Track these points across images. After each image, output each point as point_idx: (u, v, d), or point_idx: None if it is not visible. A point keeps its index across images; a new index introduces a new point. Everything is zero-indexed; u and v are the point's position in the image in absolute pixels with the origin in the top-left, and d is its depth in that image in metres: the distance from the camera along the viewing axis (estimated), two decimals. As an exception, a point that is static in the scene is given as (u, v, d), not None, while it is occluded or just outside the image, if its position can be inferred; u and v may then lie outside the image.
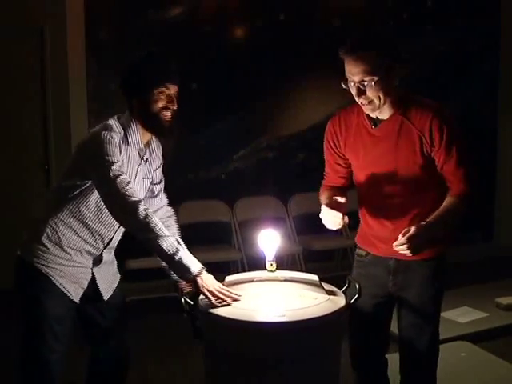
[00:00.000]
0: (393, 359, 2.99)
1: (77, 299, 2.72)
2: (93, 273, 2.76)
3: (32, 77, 5.44)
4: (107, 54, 5.31)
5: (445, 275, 2.82)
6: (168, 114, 2.64)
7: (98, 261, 2.77)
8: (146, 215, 2.45)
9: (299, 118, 5.87)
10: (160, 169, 2.91)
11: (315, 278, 2.42)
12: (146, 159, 2.78)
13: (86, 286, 2.73)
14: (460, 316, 4.71)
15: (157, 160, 2.87)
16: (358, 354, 2.92)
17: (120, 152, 2.60)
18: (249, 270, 2.77)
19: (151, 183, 2.86)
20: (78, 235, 2.68)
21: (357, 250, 2.94)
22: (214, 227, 5.61)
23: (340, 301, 2.32)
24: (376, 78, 2.51)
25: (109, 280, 2.84)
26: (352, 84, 2.57)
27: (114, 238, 2.78)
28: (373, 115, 2.67)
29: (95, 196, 2.64)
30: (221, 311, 2.22)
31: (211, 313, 2.23)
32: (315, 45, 5.81)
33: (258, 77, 5.76)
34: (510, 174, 6.71)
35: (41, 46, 5.34)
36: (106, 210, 2.62)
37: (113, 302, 2.84)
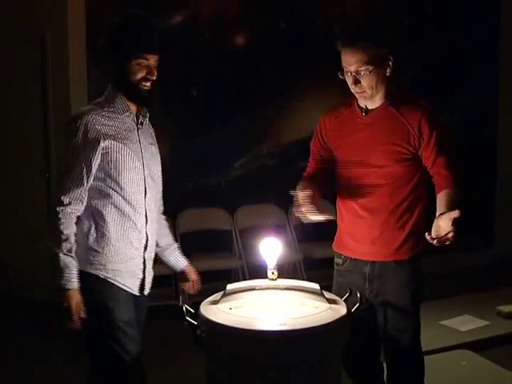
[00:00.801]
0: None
1: (138, 292, 2.74)
2: (144, 260, 2.75)
3: (33, 82, 5.45)
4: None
5: (421, 277, 2.88)
6: (147, 84, 2.66)
7: (145, 244, 2.75)
8: (56, 219, 2.56)
9: (300, 125, 5.87)
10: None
11: (316, 286, 2.42)
12: (142, 122, 2.78)
13: (141, 276, 2.75)
14: (461, 324, 4.70)
15: (151, 133, 2.89)
16: (350, 359, 2.92)
17: (100, 129, 2.61)
18: (250, 278, 2.77)
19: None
20: (118, 221, 2.66)
21: (335, 258, 3.01)
22: (214, 235, 5.61)
23: (341, 309, 2.32)
24: (371, 68, 2.67)
25: (150, 275, 2.82)
26: (348, 74, 2.72)
27: (147, 209, 2.73)
28: (363, 105, 2.80)
29: (106, 181, 2.65)
30: (222, 320, 2.22)
31: (212, 321, 2.23)
32: (315, 52, 5.81)
33: (259, 84, 5.77)
34: (511, 181, 6.71)
35: (42, 52, 5.35)
36: (122, 186, 2.65)
37: (142, 302, 2.81)
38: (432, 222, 2.74)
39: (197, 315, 2.32)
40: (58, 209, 2.57)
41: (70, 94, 5.24)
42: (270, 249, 2.45)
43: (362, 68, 2.67)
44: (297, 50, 5.83)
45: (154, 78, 2.66)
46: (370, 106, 2.80)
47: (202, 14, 5.62)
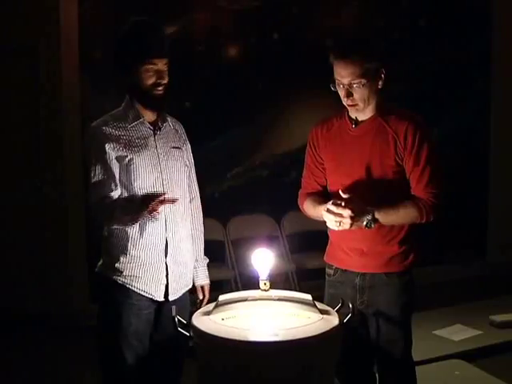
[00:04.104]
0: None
1: (160, 297, 2.74)
2: (166, 265, 2.75)
3: (25, 96, 5.44)
4: (101, 72, 5.32)
5: (413, 289, 2.88)
6: (159, 88, 2.66)
7: (165, 250, 2.75)
8: (100, 209, 2.66)
9: (293, 136, 5.89)
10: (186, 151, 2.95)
11: (309, 297, 2.42)
12: (159, 127, 2.78)
13: (165, 282, 2.75)
14: (453, 334, 4.70)
15: (179, 136, 2.91)
16: (343, 370, 2.92)
17: (111, 138, 2.66)
18: (242, 289, 2.77)
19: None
20: (133, 229, 2.68)
21: (326, 269, 3.01)
22: (207, 245, 5.56)
23: (333, 320, 2.32)
24: (364, 81, 2.68)
25: (179, 282, 2.82)
26: (341, 86, 2.72)
27: (166, 214, 2.74)
28: (353, 116, 2.80)
29: (121, 188, 2.70)
30: (214, 331, 2.22)
31: (204, 331, 2.22)
32: (308, 63, 5.83)
33: (252, 95, 5.79)
34: (503, 191, 6.73)
35: (34, 66, 5.34)
36: (137, 193, 2.69)
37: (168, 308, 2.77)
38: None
39: (189, 326, 2.32)
40: (97, 205, 2.66)
41: (63, 109, 5.24)
42: (263, 259, 2.46)
43: (355, 81, 2.67)
44: (290, 62, 5.85)
45: (165, 81, 2.67)
46: (361, 118, 2.81)
47: (195, 26, 5.64)
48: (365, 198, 2.74)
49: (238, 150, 5.81)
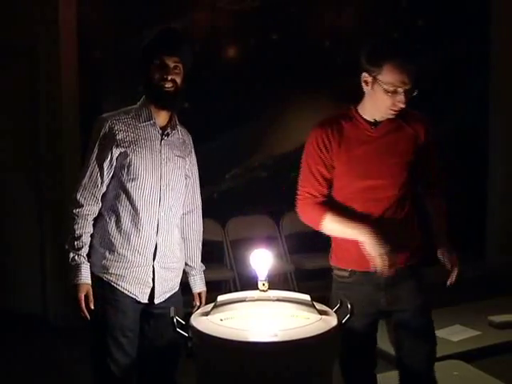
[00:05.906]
0: (385, 378, 2.99)
1: (144, 299, 2.78)
2: (154, 269, 2.78)
3: (25, 96, 5.44)
4: (101, 75, 5.32)
5: None
6: (167, 84, 2.76)
7: (154, 253, 2.79)
8: (71, 219, 2.69)
9: (292, 136, 5.88)
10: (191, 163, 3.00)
11: (307, 297, 2.42)
12: (167, 133, 2.85)
13: (151, 285, 2.79)
14: (452, 334, 4.70)
15: (185, 146, 2.96)
16: (348, 370, 2.92)
17: (117, 134, 2.72)
18: (241, 290, 2.77)
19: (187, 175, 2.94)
20: (124, 228, 2.73)
21: (336, 271, 2.94)
22: (205, 246, 5.54)
23: (332, 320, 2.32)
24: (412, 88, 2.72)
25: (165, 285, 2.85)
26: (396, 93, 2.69)
27: (160, 219, 2.78)
28: (371, 118, 2.79)
29: (118, 185, 2.75)
30: (213, 331, 2.22)
31: (203, 332, 2.23)
32: (308, 64, 5.84)
33: (251, 96, 5.78)
34: (502, 193, 6.74)
35: (34, 66, 5.34)
36: (133, 193, 2.72)
37: (156, 312, 2.84)
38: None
39: (188, 327, 2.32)
40: (74, 211, 2.70)
41: (62, 112, 5.23)
42: (261, 260, 2.46)
43: (410, 87, 2.70)
44: (289, 62, 5.85)
45: (172, 77, 2.76)
46: (380, 119, 2.79)
47: (193, 26, 5.64)
48: (388, 196, 2.78)
49: (237, 150, 5.81)
